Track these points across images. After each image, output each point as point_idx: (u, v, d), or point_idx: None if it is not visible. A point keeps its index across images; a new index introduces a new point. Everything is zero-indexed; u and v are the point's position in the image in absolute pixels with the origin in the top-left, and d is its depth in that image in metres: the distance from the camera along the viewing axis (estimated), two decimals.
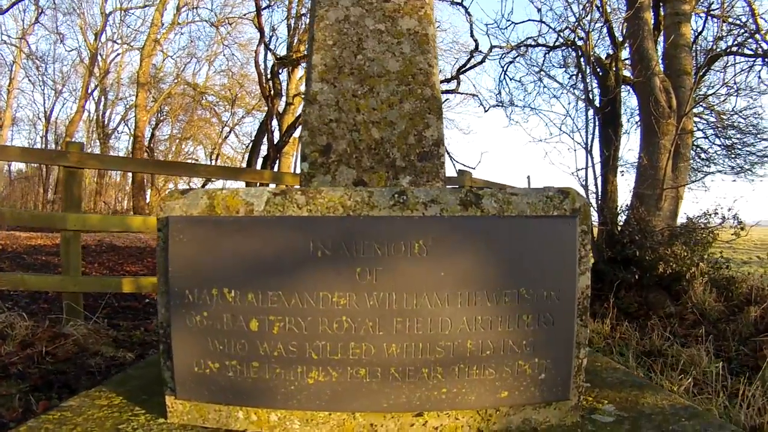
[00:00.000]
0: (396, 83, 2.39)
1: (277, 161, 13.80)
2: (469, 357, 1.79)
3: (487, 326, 1.78)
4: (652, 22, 8.70)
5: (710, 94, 10.65)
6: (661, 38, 9.13)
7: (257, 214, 1.81)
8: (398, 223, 1.77)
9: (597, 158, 8.28)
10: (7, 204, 24.37)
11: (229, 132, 31.25)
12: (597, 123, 7.57)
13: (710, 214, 7.24)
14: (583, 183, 7.21)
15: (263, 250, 1.76)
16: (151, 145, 29.78)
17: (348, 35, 2.41)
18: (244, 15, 22.68)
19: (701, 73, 9.85)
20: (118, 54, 32.56)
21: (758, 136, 11.54)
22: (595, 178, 7.32)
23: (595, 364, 2.72)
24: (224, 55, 32.62)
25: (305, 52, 14.86)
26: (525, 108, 13.83)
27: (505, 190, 1.87)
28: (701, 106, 11.48)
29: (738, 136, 12.08)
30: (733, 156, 12.26)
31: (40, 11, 26.77)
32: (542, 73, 11.08)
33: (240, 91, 28.34)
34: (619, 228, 6.97)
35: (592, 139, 7.25)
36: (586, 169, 7.17)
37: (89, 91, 30.57)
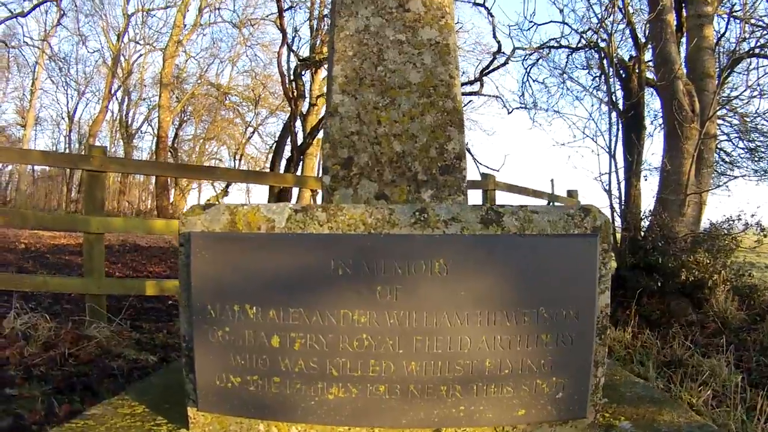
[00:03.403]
0: (417, 95, 2.39)
1: (301, 163, 13.84)
2: (488, 375, 1.79)
3: (506, 345, 1.78)
4: (675, 23, 8.62)
5: (734, 97, 10.49)
6: (683, 40, 9.05)
7: (278, 231, 1.83)
8: (419, 241, 1.78)
9: (620, 162, 8.22)
10: (31, 203, 24.69)
11: (253, 132, 31.43)
12: (620, 127, 7.50)
13: (733, 220, 7.17)
14: (607, 188, 7.16)
15: (284, 267, 1.78)
16: (175, 145, 30.08)
17: (368, 46, 2.42)
18: (267, 16, 22.75)
19: (725, 75, 9.74)
20: (141, 55, 32.94)
21: None
22: (618, 183, 7.28)
23: (614, 378, 2.71)
24: (247, 56, 32.77)
25: (327, 54, 14.90)
26: (548, 111, 13.73)
27: (526, 208, 1.87)
28: (725, 108, 11.35)
29: (761, 139, 11.93)
30: (756, 159, 12.11)
31: (62, 13, 27.08)
32: (565, 75, 11.00)
33: (263, 92, 28.46)
34: (643, 234, 6.90)
35: (616, 142, 7.19)
36: (609, 174, 7.12)
37: (112, 91, 30.94)
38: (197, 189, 36.04)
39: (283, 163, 13.24)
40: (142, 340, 5.04)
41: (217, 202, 1.88)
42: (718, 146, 12.18)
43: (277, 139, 13.82)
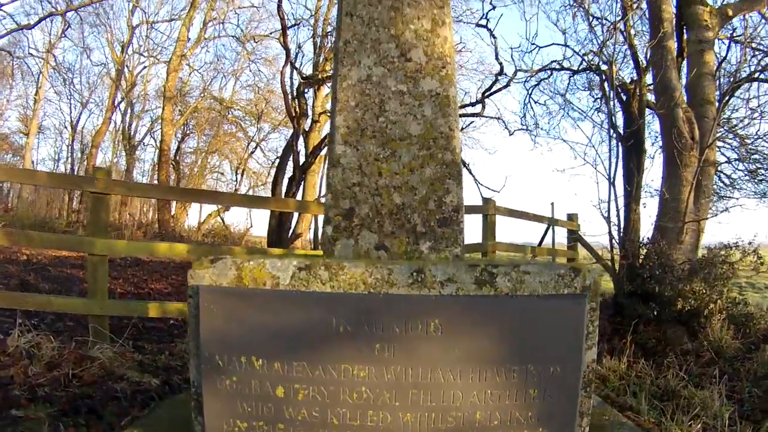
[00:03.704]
0: (417, 147, 2.49)
1: (303, 182, 13.94)
2: (478, 427, 1.91)
3: (496, 399, 1.90)
4: (676, 48, 8.73)
5: (734, 127, 10.63)
6: (685, 63, 9.16)
7: (283, 288, 1.94)
8: (416, 301, 1.89)
9: (620, 188, 8.33)
10: (32, 211, 24.71)
11: (255, 148, 31.53)
12: (620, 153, 7.59)
13: (730, 247, 7.25)
14: (606, 215, 7.26)
15: (289, 322, 1.89)
16: (177, 158, 30.11)
17: (370, 96, 2.52)
18: (270, 34, 22.99)
19: (725, 100, 9.85)
20: (145, 67, 33.13)
21: None
22: (618, 210, 7.36)
23: (603, 418, 2.80)
24: (250, 71, 32.93)
25: (331, 72, 15.03)
26: (549, 133, 13.85)
27: (518, 269, 1.97)
28: (724, 130, 11.48)
29: (761, 161, 12.06)
30: (757, 181, 12.22)
31: (67, 25, 27.26)
32: (565, 99, 11.14)
33: (266, 107, 28.59)
34: (641, 261, 6.99)
35: (615, 169, 7.29)
36: (609, 201, 7.21)
37: (115, 103, 31.11)
38: (198, 203, 36.30)
39: (285, 181, 13.29)
40: (144, 362, 5.12)
41: (225, 257, 1.99)
42: (719, 169, 12.30)
43: (279, 156, 13.88)
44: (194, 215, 53.53)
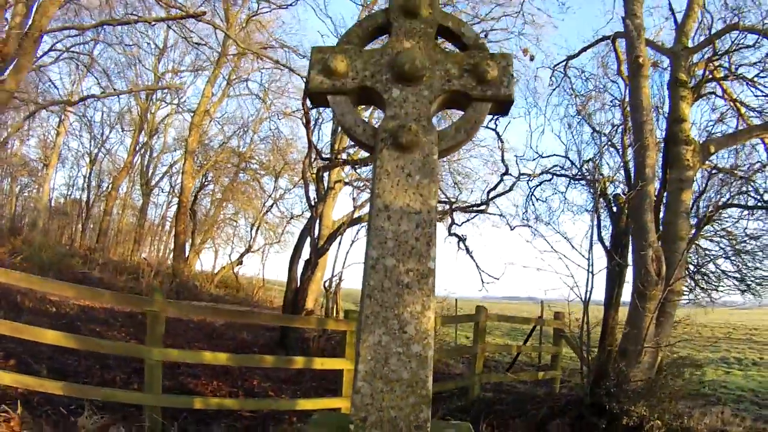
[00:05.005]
0: (405, 386, 4.25)
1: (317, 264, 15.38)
2: None
3: None
4: (656, 191, 10.33)
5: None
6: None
7: None
8: None
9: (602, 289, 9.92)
10: (47, 239, 26.35)
11: (272, 206, 33.32)
12: (592, 284, 9.13)
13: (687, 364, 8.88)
14: (578, 336, 8.93)
15: None
16: (194, 207, 32.19)
17: (380, 354, 4.28)
18: (293, 112, 25.06)
19: (702, 225, 11.44)
20: (168, 114, 35.70)
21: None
22: (589, 332, 8.97)
23: None
24: (270, 129, 34.90)
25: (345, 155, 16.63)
26: (549, 224, 15.40)
27: None
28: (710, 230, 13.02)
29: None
30: (740, 279, 13.69)
31: (92, 62, 29.06)
32: (565, 197, 12.77)
33: (284, 166, 30.18)
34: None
35: (589, 297, 8.91)
36: (582, 324, 8.87)
37: (137, 148, 33.30)
38: (212, 248, 38.80)
39: (301, 263, 14.82)
40: None
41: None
42: (710, 258, 13.83)
43: (295, 245, 15.25)
44: (208, 260, 56.13)
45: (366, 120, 4.24)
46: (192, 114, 29.56)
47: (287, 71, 21.51)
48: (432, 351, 4.39)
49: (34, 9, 14.45)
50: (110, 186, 34.55)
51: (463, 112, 4.25)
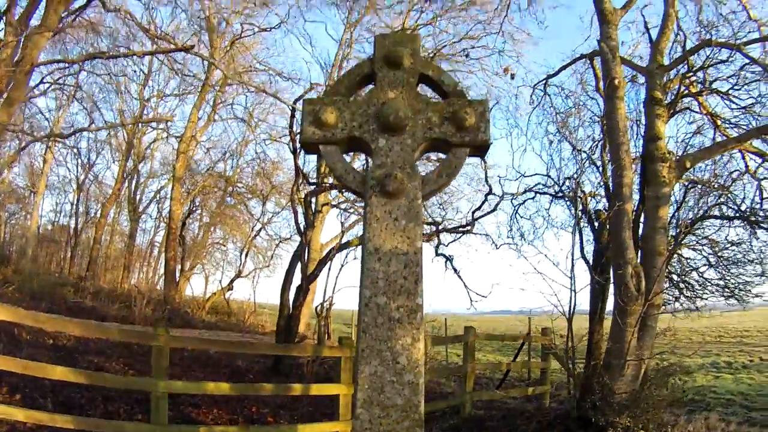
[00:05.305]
0: (399, 411, 4.56)
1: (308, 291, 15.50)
2: None
3: None
4: (634, 208, 10.74)
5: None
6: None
7: None
8: None
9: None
10: (35, 266, 26.37)
11: (260, 230, 33.57)
12: (575, 303, 9.50)
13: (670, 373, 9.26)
14: (564, 350, 9.28)
15: None
16: (182, 233, 32.31)
17: (376, 383, 4.58)
18: (280, 137, 25.64)
19: (681, 237, 11.86)
20: (155, 140, 35.97)
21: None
22: (574, 349, 9.35)
23: None
24: (256, 152, 35.34)
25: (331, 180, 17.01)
26: (533, 243, 15.75)
27: None
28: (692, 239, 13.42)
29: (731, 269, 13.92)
30: (724, 285, 14.05)
31: (78, 90, 29.41)
32: (549, 214, 13.22)
33: (270, 186, 30.46)
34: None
35: (573, 312, 9.29)
36: (567, 339, 9.23)
37: (124, 174, 33.61)
38: (201, 274, 39.05)
39: (293, 289, 14.97)
40: None
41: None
42: (693, 267, 14.24)
43: (286, 269, 15.47)
44: (198, 285, 56.19)
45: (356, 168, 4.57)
46: (178, 140, 29.80)
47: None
48: (423, 378, 4.70)
49: (22, 42, 14.59)
50: (99, 213, 34.70)
51: (443, 155, 4.61)
